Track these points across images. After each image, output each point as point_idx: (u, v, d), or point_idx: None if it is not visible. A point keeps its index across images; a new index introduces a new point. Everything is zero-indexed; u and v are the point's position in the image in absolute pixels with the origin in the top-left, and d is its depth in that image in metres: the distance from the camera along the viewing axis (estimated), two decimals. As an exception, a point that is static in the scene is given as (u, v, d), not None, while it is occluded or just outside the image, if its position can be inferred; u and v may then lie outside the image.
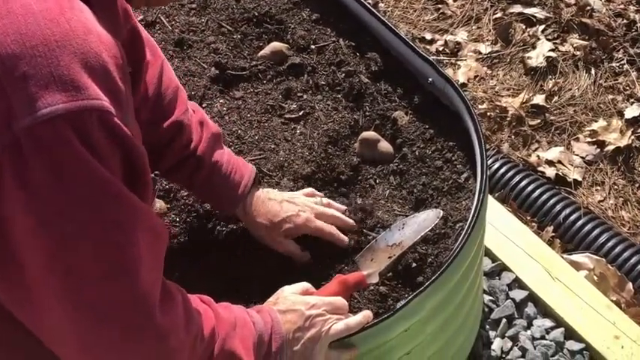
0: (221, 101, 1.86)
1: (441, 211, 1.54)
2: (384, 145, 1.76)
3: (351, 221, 1.62)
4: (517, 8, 3.39)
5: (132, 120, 1.01)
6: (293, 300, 1.36)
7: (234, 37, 1.98)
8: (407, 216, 1.66)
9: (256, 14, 2.01)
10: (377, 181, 1.73)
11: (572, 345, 2.16)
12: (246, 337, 1.24)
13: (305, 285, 1.43)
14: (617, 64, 3.18)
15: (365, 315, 1.39)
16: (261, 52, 1.94)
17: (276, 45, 1.94)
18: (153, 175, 1.71)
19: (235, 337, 1.22)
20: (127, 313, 1.02)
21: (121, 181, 0.96)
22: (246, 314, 1.29)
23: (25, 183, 0.86)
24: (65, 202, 0.89)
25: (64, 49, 0.86)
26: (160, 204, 1.65)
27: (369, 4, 1.95)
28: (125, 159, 0.96)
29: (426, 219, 1.53)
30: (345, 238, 1.59)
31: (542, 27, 3.32)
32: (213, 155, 1.53)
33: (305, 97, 1.85)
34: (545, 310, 2.24)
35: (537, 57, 3.20)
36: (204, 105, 1.84)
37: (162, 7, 2.03)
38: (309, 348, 1.32)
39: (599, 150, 2.90)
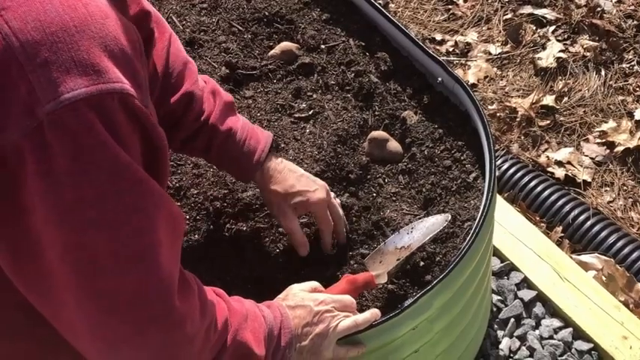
0: (231, 100, 1.87)
1: (450, 215, 1.55)
2: (394, 145, 1.76)
3: (343, 238, 1.62)
4: (527, 9, 3.39)
5: (150, 102, 1.01)
6: (302, 296, 1.37)
7: (245, 36, 1.99)
8: (415, 215, 1.66)
9: (267, 14, 2.02)
10: (386, 181, 1.73)
11: (581, 345, 2.16)
12: (257, 330, 1.25)
13: (314, 283, 1.43)
14: (628, 65, 3.17)
15: (373, 312, 1.39)
16: (272, 52, 1.95)
17: (286, 45, 1.95)
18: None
19: (247, 328, 1.23)
20: (149, 300, 1.03)
21: (141, 164, 0.97)
22: (256, 308, 1.30)
23: (47, 168, 0.87)
24: (87, 188, 0.90)
25: (84, 33, 0.86)
26: (170, 202, 1.66)
27: (379, 4, 1.95)
28: (145, 141, 0.97)
29: (435, 223, 1.53)
30: (330, 246, 1.59)
31: (553, 28, 3.31)
32: (227, 122, 1.52)
33: (315, 96, 1.86)
34: (553, 310, 2.24)
35: (547, 58, 3.19)
36: (214, 104, 1.85)
37: (173, 7, 2.04)
38: (317, 343, 1.32)
39: (608, 151, 2.90)
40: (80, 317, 1.01)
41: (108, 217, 0.93)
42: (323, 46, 1.95)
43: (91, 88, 0.86)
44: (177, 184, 1.70)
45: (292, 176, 1.53)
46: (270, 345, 1.27)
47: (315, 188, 1.53)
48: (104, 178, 0.91)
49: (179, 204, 1.68)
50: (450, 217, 1.54)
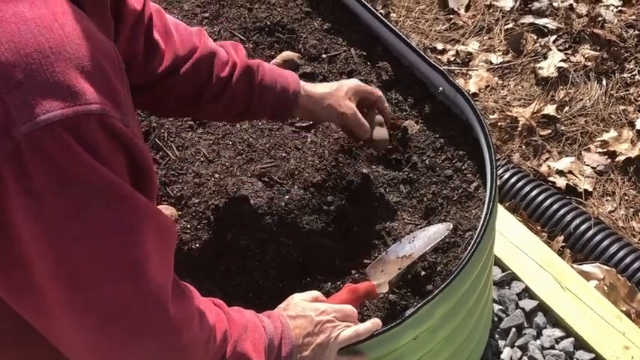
0: (233, 109, 1.86)
1: (451, 224, 1.55)
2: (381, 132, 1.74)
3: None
4: (528, 19, 3.39)
5: (132, 119, 1.01)
6: (303, 306, 1.36)
7: (246, 45, 1.99)
8: (417, 225, 1.66)
9: (268, 23, 2.02)
10: (387, 190, 1.73)
11: (582, 355, 2.15)
12: (257, 341, 1.25)
13: (315, 293, 1.43)
14: (629, 75, 3.17)
15: (374, 322, 1.39)
16: (273, 61, 1.95)
17: (287, 54, 1.95)
18: (159, 182, 1.72)
19: (247, 339, 1.23)
20: (140, 313, 1.02)
21: (127, 181, 0.96)
22: (256, 318, 1.29)
23: (27, 189, 0.86)
24: (68, 206, 0.89)
25: (59, 55, 0.86)
26: (171, 211, 1.66)
27: (380, 14, 1.95)
28: (129, 159, 0.96)
29: (437, 232, 1.53)
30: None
31: (554, 37, 3.31)
32: (254, 62, 1.57)
33: (316, 105, 1.86)
34: (554, 320, 2.24)
35: (548, 67, 3.19)
36: (216, 113, 1.85)
37: (177, 16, 2.04)
38: (318, 353, 1.32)
39: (609, 160, 2.89)
40: (73, 332, 1.01)
41: (92, 233, 0.92)
42: (324, 56, 1.96)
43: (66, 110, 0.85)
44: (178, 194, 1.70)
45: (325, 85, 1.65)
46: (271, 355, 1.27)
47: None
48: (85, 196, 0.90)
49: (179, 213, 1.67)
50: (451, 227, 1.54)
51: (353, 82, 1.65)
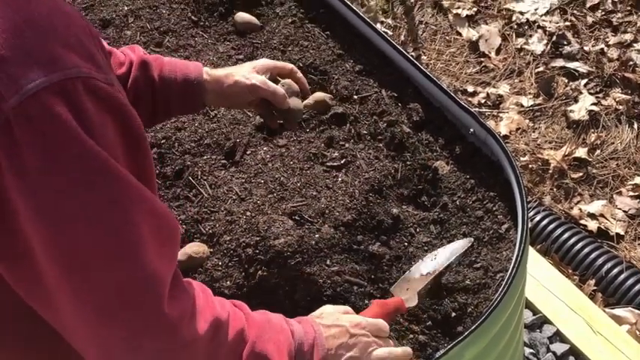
0: (265, 149, 1.87)
1: (472, 239, 1.53)
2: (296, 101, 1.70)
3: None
4: (559, 62, 3.39)
5: (116, 80, 1.01)
6: (337, 317, 1.34)
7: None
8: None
9: (301, 65, 2.04)
10: (417, 230, 1.72)
11: (614, 400, 2.11)
12: (281, 343, 1.21)
13: (346, 307, 1.41)
14: (660, 119, 3.15)
15: (407, 350, 1.36)
16: (305, 102, 1.96)
17: (319, 95, 1.96)
18: (191, 219, 1.73)
19: (269, 340, 1.20)
20: (137, 299, 1.01)
21: (120, 151, 0.96)
22: (284, 322, 1.27)
23: (19, 164, 0.87)
24: (60, 182, 0.89)
25: (34, 29, 0.88)
26: (203, 248, 1.66)
27: (411, 56, 1.96)
28: (118, 121, 0.96)
29: (458, 247, 1.53)
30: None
31: (585, 81, 3.31)
32: (152, 56, 1.55)
33: (347, 145, 1.86)
34: (586, 364, 2.20)
35: (580, 110, 3.18)
36: (248, 152, 1.86)
37: (212, 59, 2.06)
38: None
39: (642, 204, 2.87)
40: (76, 319, 1.00)
41: (84, 211, 0.92)
42: (356, 97, 1.96)
43: (50, 76, 0.86)
44: (210, 231, 1.71)
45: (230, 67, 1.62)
46: None
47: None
48: (74, 171, 0.90)
49: (211, 250, 1.68)
50: (472, 240, 1.52)
51: (262, 60, 1.63)
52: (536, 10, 3.58)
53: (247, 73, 1.58)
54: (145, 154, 1.03)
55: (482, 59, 3.48)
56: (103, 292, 0.98)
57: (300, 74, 1.67)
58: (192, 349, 1.09)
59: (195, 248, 1.65)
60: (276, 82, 1.62)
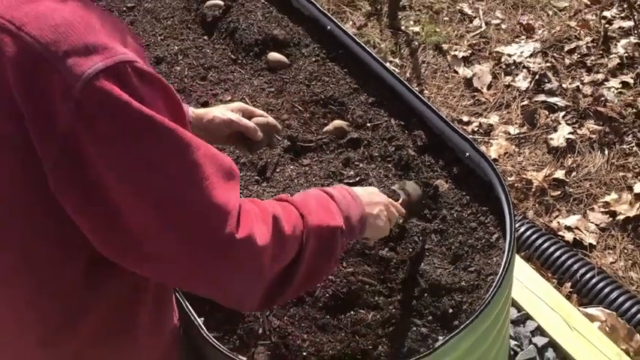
0: (291, 167, 1.87)
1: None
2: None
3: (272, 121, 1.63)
4: (541, 97, 3.37)
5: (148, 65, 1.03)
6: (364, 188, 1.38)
7: (304, 115, 2.00)
8: (445, 269, 1.63)
9: (323, 97, 2.04)
10: (420, 238, 1.71)
11: (588, 387, 2.08)
12: (329, 209, 1.19)
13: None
14: (628, 147, 3.13)
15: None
16: (326, 128, 1.96)
17: (338, 122, 1.96)
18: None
19: (318, 212, 1.17)
20: (212, 224, 0.99)
21: (170, 119, 0.96)
22: (320, 190, 1.25)
23: (95, 137, 0.89)
24: (130, 142, 0.91)
25: (86, 26, 0.90)
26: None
27: (416, 90, 1.96)
28: (164, 98, 0.97)
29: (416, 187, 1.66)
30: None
31: (563, 113, 3.29)
32: None
33: (361, 165, 1.86)
34: (563, 356, 2.18)
35: (558, 138, 3.17)
36: (277, 170, 1.86)
37: (247, 90, 2.07)
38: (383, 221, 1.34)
39: (611, 219, 2.84)
40: (164, 250, 0.99)
41: (155, 160, 0.94)
42: (369, 124, 1.96)
43: (105, 62, 0.89)
44: (244, 236, 1.70)
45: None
46: (349, 220, 1.22)
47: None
48: (141, 129, 0.91)
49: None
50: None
51: (237, 102, 1.60)
52: (521, 52, 3.57)
53: (224, 110, 1.56)
54: (189, 128, 1.03)
55: (475, 94, 3.47)
56: (184, 223, 0.98)
57: (268, 118, 1.63)
58: (265, 252, 1.06)
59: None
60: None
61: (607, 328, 2.31)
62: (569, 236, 2.78)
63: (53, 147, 0.89)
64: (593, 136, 3.15)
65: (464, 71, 3.56)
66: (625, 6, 3.63)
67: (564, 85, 3.40)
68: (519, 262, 2.42)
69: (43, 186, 0.92)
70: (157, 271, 1.04)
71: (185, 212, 0.97)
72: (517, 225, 2.69)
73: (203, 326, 1.44)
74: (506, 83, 3.47)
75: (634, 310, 2.41)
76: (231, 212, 1.01)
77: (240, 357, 1.39)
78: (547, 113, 3.30)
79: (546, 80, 3.43)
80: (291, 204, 1.18)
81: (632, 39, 3.52)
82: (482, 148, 3.14)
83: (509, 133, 3.24)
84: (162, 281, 1.18)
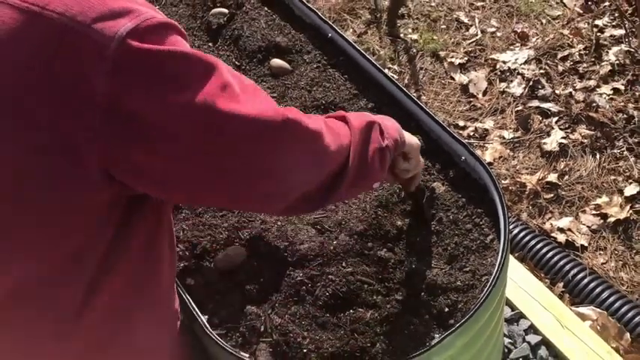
0: (293, 170, 1.88)
1: None
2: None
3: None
4: (535, 103, 3.38)
5: None
6: None
7: (306, 119, 2.01)
8: (442, 269, 1.64)
9: (323, 102, 2.04)
10: (417, 239, 1.72)
11: (579, 384, 2.09)
12: (361, 119, 1.29)
13: None
14: (618, 151, 3.13)
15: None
16: (327, 132, 1.96)
17: (338, 127, 1.96)
18: (232, 227, 1.73)
19: (355, 118, 1.28)
20: (267, 120, 1.06)
21: None
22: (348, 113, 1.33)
23: (138, 93, 0.91)
24: (173, 86, 0.94)
25: None
26: (241, 250, 1.66)
27: (413, 96, 1.96)
28: (187, 42, 1.01)
29: None
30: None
31: (556, 119, 3.30)
32: None
33: (361, 169, 1.86)
34: (556, 353, 2.18)
35: (551, 143, 3.17)
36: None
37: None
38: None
39: (602, 221, 2.85)
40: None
41: (200, 96, 0.96)
42: (368, 129, 1.96)
43: (133, 21, 0.91)
44: (247, 236, 1.71)
45: None
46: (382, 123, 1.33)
47: None
48: (179, 70, 0.94)
49: (248, 253, 1.67)
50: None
51: None
52: (516, 59, 3.58)
53: None
54: None
55: (471, 99, 3.48)
56: (234, 147, 1.02)
57: None
58: (321, 137, 1.17)
59: (235, 250, 1.66)
60: None
61: (598, 327, 2.32)
62: (561, 238, 2.78)
63: (92, 116, 0.89)
64: (585, 140, 3.16)
65: (460, 78, 3.56)
66: (616, 15, 3.64)
67: (557, 92, 3.40)
68: (513, 263, 2.42)
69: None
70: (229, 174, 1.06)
71: (240, 119, 1.01)
72: (511, 227, 2.70)
73: (207, 324, 1.45)
74: (501, 89, 3.48)
75: (624, 309, 2.41)
76: (279, 110, 1.09)
77: (242, 354, 1.40)
78: (540, 118, 3.31)
79: (540, 86, 3.44)
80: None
81: (623, 47, 3.52)
82: (478, 152, 3.14)
83: (504, 138, 3.25)
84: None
